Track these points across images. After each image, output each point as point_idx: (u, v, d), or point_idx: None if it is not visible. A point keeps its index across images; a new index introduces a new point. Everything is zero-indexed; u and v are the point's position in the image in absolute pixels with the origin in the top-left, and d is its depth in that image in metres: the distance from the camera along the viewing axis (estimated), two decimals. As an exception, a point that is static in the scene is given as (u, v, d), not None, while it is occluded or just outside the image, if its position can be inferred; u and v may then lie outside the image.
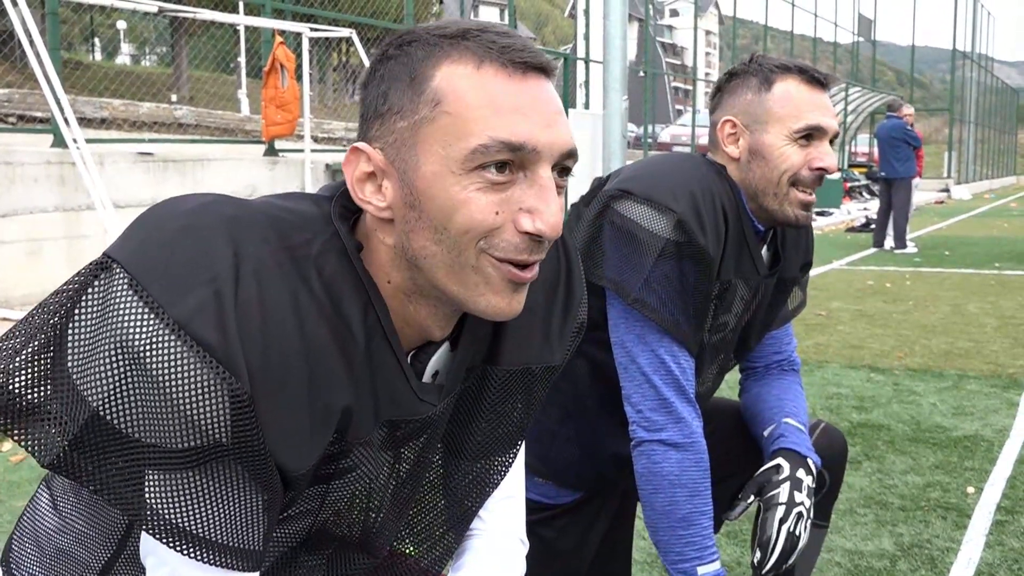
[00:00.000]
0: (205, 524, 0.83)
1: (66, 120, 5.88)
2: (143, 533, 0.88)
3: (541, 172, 0.87)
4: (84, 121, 7.71)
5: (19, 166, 6.19)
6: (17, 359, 0.82)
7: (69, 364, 0.80)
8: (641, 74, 19.61)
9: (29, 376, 0.81)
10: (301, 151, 8.80)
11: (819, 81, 1.57)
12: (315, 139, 10.10)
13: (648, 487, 1.57)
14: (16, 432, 0.82)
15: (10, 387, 0.81)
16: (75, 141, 5.85)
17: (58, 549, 1.03)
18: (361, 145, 0.90)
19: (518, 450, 1.16)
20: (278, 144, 8.73)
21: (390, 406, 0.93)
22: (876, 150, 13.07)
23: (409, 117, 0.88)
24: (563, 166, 0.90)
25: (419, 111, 0.87)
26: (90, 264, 0.83)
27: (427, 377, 0.99)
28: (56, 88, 5.93)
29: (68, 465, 0.81)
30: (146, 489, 0.82)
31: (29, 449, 0.82)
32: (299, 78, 8.39)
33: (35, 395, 0.82)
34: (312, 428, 0.85)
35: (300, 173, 8.61)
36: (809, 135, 1.55)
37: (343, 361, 0.87)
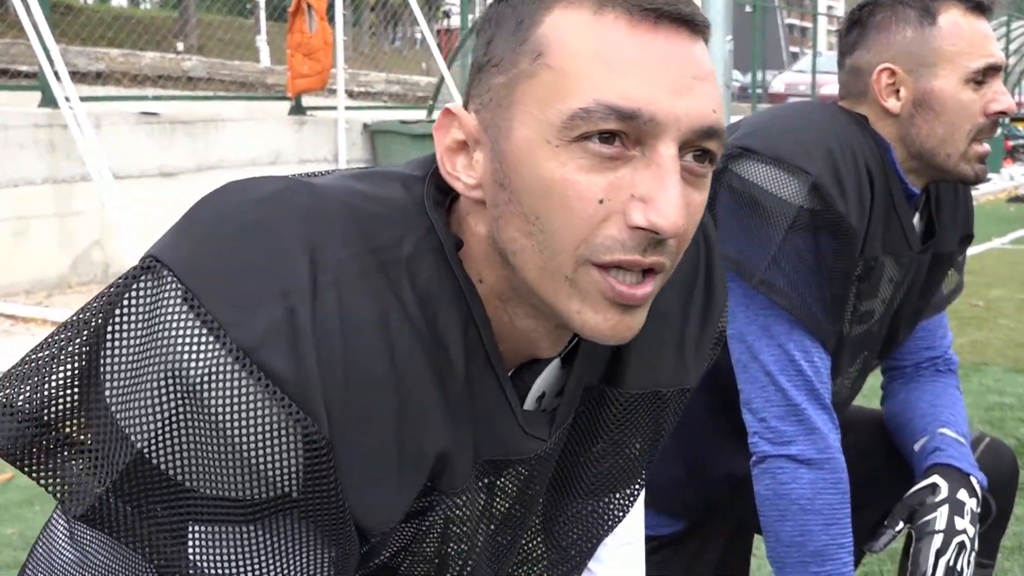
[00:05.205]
0: None
1: (56, 74, 6.03)
2: None
3: (661, 150, 0.80)
4: (77, 76, 7.87)
5: (1, 130, 6.37)
6: (43, 389, 0.80)
7: (107, 394, 0.78)
8: (748, 9, 19.41)
9: (58, 409, 0.80)
10: (334, 108, 8.88)
11: (983, 6, 1.57)
12: (350, 94, 10.20)
13: (773, 513, 1.57)
14: (43, 477, 0.80)
15: (35, 422, 0.80)
16: (67, 99, 6.00)
17: None
18: (453, 107, 0.87)
19: (640, 488, 1.13)
20: (306, 100, 8.83)
21: (491, 444, 0.91)
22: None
23: (508, 71, 0.84)
24: (702, 148, 0.83)
25: (519, 63, 0.84)
26: (132, 268, 0.80)
27: (531, 401, 0.96)
28: (44, 36, 6.08)
29: (102, 516, 0.79)
30: (192, 544, 0.80)
31: (59, 497, 0.80)
32: (331, 20, 8.47)
33: (65, 433, 0.80)
34: (400, 479, 0.83)
35: (332, 135, 8.70)
36: (983, 75, 1.54)
37: (440, 395, 0.85)
